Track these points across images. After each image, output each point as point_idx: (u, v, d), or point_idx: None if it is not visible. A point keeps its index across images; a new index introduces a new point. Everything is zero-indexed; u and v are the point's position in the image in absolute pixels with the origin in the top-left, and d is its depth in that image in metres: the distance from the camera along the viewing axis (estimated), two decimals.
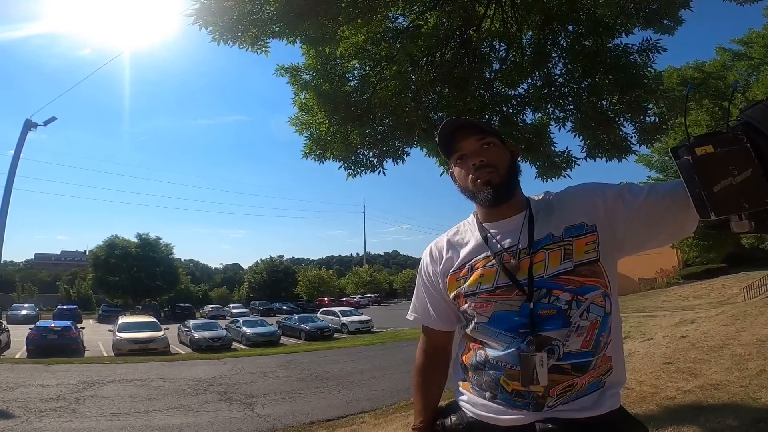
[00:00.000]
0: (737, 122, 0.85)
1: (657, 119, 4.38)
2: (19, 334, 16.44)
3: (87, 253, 52.16)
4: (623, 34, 4.29)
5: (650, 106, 4.31)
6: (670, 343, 7.43)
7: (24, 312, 29.33)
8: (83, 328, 18.39)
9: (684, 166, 0.87)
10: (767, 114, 0.81)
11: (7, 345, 15.94)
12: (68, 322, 16.76)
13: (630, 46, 4.25)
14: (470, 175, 1.13)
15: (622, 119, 4.38)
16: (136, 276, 41.04)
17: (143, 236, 43.91)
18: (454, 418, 1.16)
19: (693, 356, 5.92)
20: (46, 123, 16.10)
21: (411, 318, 1.32)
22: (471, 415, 1.12)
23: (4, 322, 19.26)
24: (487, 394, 1.09)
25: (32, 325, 16.44)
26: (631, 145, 4.45)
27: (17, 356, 14.09)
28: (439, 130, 1.18)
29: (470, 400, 1.13)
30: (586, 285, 1.03)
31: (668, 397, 4.26)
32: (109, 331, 17.32)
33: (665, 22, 4.22)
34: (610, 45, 4.34)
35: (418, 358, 1.31)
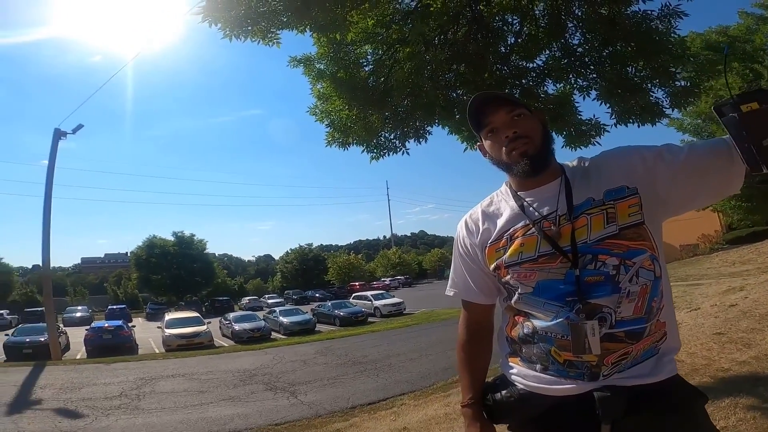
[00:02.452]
0: None
1: (687, 83, 4.20)
2: (76, 336, 17.54)
3: (129, 255, 54.85)
4: (640, 0, 4.08)
5: (678, 71, 4.14)
6: (720, 313, 7.10)
7: (79, 314, 31.13)
8: (134, 326, 19.30)
9: (731, 122, 0.88)
10: None
11: (67, 347, 16.94)
12: (120, 322, 17.64)
13: (649, 12, 4.05)
14: (504, 148, 1.11)
15: (650, 85, 4.20)
16: (176, 273, 42.78)
17: (179, 234, 45.60)
18: (504, 392, 1.14)
19: (745, 325, 5.64)
20: (74, 131, 16.55)
21: (451, 293, 1.28)
22: (522, 387, 1.10)
23: (62, 325, 20.58)
24: (538, 366, 1.06)
25: (88, 327, 17.44)
26: (664, 109, 4.27)
27: (78, 357, 15.02)
28: (468, 106, 1.16)
29: (520, 373, 1.11)
30: (633, 248, 1.00)
31: (722, 369, 4.09)
32: (158, 327, 18.15)
33: None
34: (629, 12, 4.14)
35: (461, 334, 1.28)
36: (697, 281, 15.92)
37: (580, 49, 4.42)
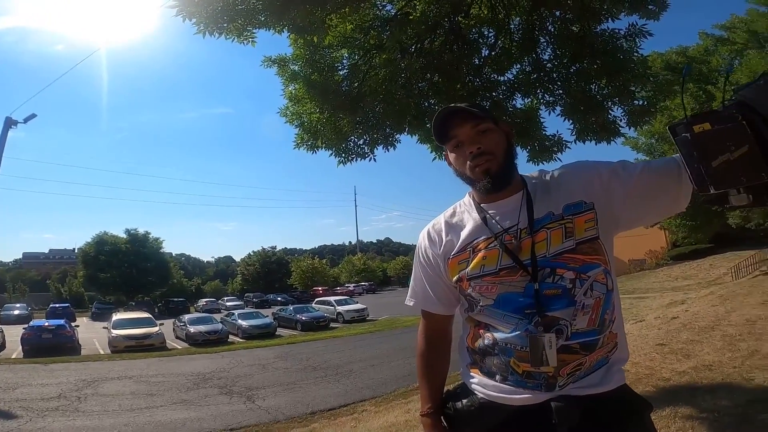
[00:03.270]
0: (731, 102, 0.88)
1: (645, 102, 4.43)
2: (14, 335, 16.30)
3: (76, 251, 51.88)
4: (609, 19, 4.29)
5: (638, 90, 4.36)
6: (662, 325, 7.54)
7: (16, 312, 28.99)
8: (77, 326, 18.34)
9: (683, 142, 0.89)
10: (760, 93, 0.84)
11: (2, 345, 15.85)
12: (62, 321, 16.69)
13: (617, 31, 4.26)
14: (468, 163, 1.12)
15: (610, 103, 4.42)
16: (127, 272, 40.88)
17: (132, 232, 43.73)
18: (465, 401, 1.15)
19: (685, 337, 6.00)
20: (26, 120, 15.62)
21: (410, 303, 1.29)
22: (482, 396, 1.11)
23: None
24: (498, 377, 1.08)
25: (26, 325, 16.26)
26: (620, 128, 4.50)
27: (13, 356, 14.01)
28: (433, 118, 1.16)
29: (480, 382, 1.12)
30: (587, 263, 1.04)
31: (663, 378, 4.31)
32: (104, 328, 17.25)
33: (650, 6, 4.22)
34: (597, 30, 4.33)
35: (420, 343, 1.28)
36: (643, 294, 16.90)
37: (549, 65, 4.60)
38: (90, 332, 19.20)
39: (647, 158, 21.84)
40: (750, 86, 0.87)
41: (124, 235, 43.29)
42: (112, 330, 15.77)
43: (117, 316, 18.12)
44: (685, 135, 0.88)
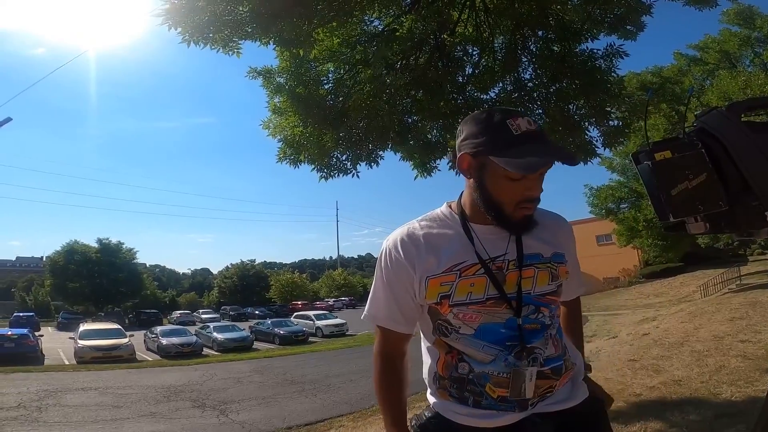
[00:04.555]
0: (693, 128, 0.89)
1: (620, 123, 4.54)
2: None
3: (44, 259, 50.08)
4: (589, 39, 4.40)
5: (613, 110, 4.45)
6: (634, 341, 7.69)
7: None
8: (41, 335, 17.68)
9: (644, 170, 0.90)
10: (720, 120, 0.85)
11: None
12: (25, 330, 16.10)
13: (595, 51, 4.36)
14: (517, 201, 1.03)
15: (587, 123, 4.52)
16: (97, 282, 39.92)
17: (104, 241, 42.93)
18: (436, 424, 1.13)
19: (656, 353, 6.12)
20: (1, 124, 15.34)
21: (370, 320, 1.18)
22: (455, 420, 1.10)
23: None
24: (470, 401, 1.08)
25: None
26: (596, 149, 4.60)
27: None
28: (536, 136, 1.00)
29: (453, 408, 1.10)
30: (557, 303, 1.15)
31: (634, 394, 4.35)
32: (70, 338, 16.61)
33: (628, 27, 4.34)
34: (577, 50, 4.43)
35: (379, 365, 1.18)
36: (616, 311, 17.21)
37: (530, 84, 4.68)
38: (55, 342, 18.45)
39: (621, 179, 22.54)
40: (711, 112, 0.88)
41: (95, 245, 42.40)
42: (78, 340, 15.23)
43: (84, 327, 17.50)
44: (647, 162, 0.88)
